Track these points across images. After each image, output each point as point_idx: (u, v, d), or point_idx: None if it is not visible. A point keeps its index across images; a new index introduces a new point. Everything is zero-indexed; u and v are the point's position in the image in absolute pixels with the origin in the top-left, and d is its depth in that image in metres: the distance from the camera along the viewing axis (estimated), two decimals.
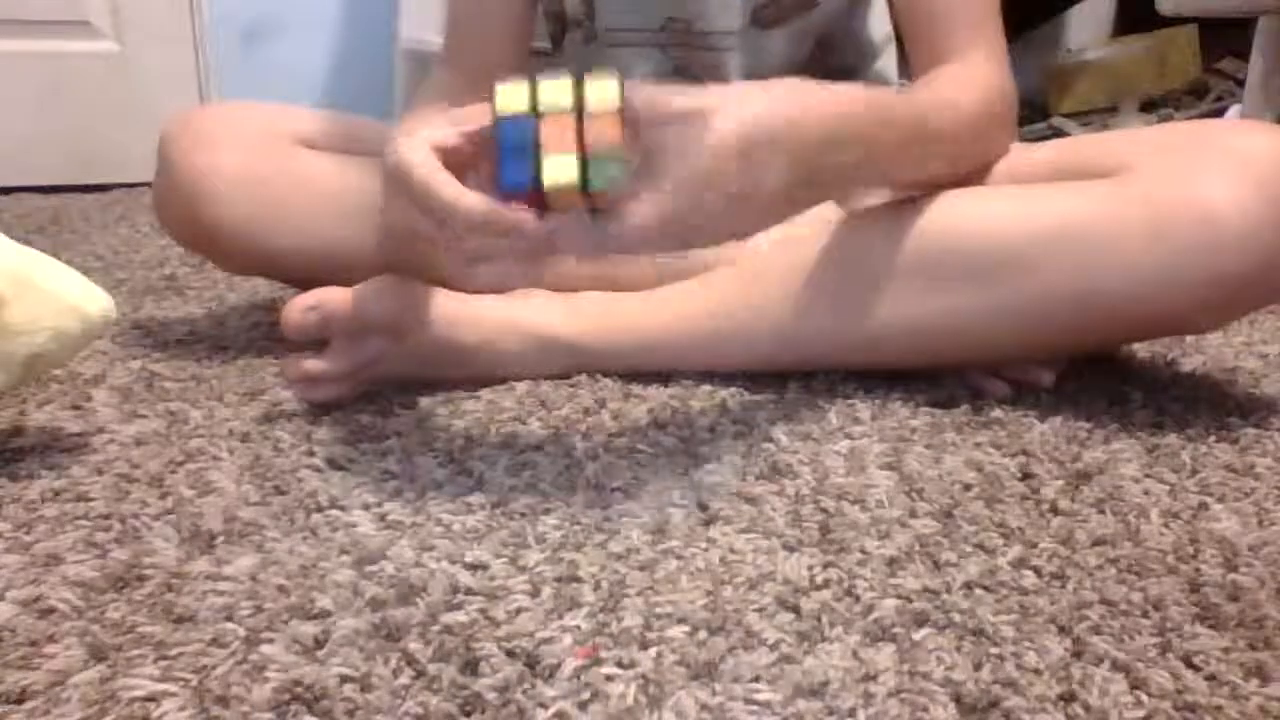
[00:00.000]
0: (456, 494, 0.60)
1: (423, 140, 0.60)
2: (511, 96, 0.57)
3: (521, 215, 0.56)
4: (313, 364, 0.72)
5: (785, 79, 0.64)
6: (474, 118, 0.60)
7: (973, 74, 0.76)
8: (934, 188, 0.73)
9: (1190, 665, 0.46)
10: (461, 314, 0.76)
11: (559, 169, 0.56)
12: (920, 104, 0.72)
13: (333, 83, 2.14)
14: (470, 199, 0.57)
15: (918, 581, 0.52)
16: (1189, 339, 0.91)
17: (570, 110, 0.56)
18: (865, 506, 0.59)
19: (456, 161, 0.60)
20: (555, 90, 0.57)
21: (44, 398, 0.76)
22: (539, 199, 0.56)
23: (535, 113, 0.57)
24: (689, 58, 0.89)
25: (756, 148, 0.59)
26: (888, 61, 0.95)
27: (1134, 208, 0.67)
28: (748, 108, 0.59)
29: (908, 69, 0.85)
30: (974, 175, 0.77)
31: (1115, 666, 0.45)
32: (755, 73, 0.89)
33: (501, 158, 0.57)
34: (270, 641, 0.46)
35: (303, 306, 0.72)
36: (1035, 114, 2.03)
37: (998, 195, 0.74)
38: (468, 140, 0.60)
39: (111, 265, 1.22)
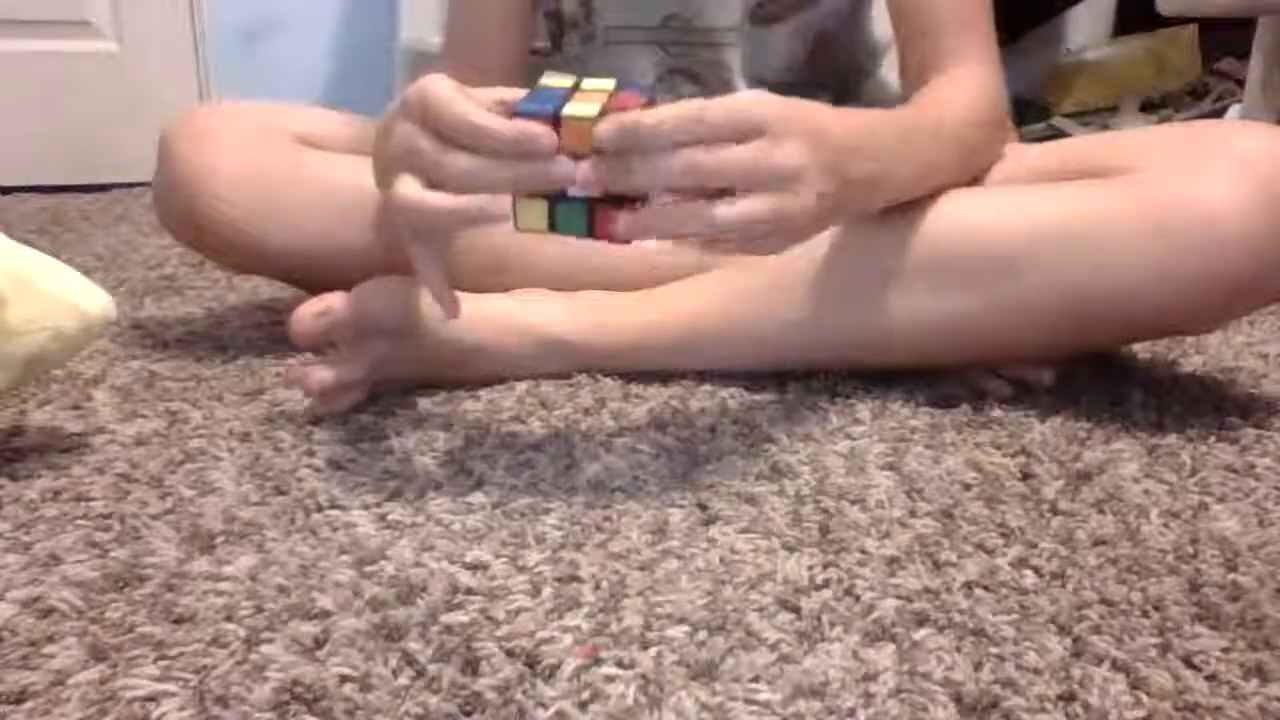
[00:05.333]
0: (456, 494, 0.60)
1: (449, 81, 0.60)
2: (555, 78, 0.60)
3: (538, 128, 0.55)
4: (326, 374, 0.70)
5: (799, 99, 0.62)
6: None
7: (957, 85, 0.77)
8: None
9: (1190, 665, 0.46)
10: (461, 313, 0.76)
11: (580, 108, 0.56)
12: (922, 117, 0.73)
13: (333, 83, 2.14)
14: (488, 114, 0.57)
15: (918, 581, 0.52)
16: (1189, 339, 0.91)
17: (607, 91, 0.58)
18: (865, 506, 0.59)
19: None
20: (595, 82, 0.59)
21: (44, 398, 0.76)
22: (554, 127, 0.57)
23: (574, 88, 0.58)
24: (688, 55, 0.89)
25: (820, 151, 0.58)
26: (888, 68, 0.95)
27: (1134, 208, 0.67)
28: (797, 114, 0.58)
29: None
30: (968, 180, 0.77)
31: (1115, 666, 0.45)
32: (756, 71, 0.89)
33: (526, 97, 0.58)
34: (270, 641, 0.46)
35: (312, 313, 0.71)
36: (1035, 114, 2.03)
37: (999, 196, 0.74)
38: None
39: (111, 265, 1.22)
